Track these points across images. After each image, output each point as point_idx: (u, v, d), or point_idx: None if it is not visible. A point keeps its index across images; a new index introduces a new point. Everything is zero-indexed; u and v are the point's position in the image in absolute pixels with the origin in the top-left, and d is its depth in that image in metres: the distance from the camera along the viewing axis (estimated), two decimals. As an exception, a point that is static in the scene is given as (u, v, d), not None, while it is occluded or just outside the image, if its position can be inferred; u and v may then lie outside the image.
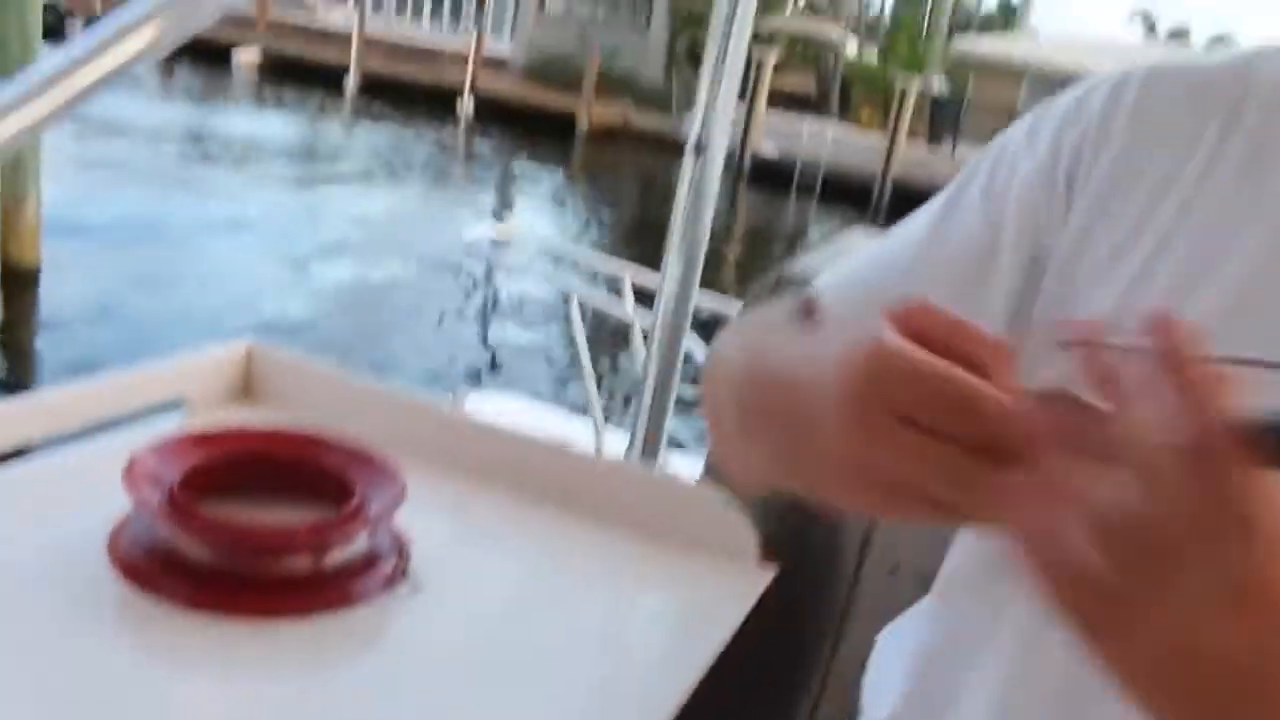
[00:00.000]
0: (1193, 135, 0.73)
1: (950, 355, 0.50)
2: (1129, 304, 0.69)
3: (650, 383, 1.84)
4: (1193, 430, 0.43)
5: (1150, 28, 55.16)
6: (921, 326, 0.52)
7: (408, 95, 26.31)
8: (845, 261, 0.87)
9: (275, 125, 22.12)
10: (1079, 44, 37.58)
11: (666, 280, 1.80)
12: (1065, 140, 0.77)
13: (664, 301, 1.81)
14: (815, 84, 28.26)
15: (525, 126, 23.97)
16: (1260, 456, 0.45)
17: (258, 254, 11.80)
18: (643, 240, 12.90)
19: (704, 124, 1.70)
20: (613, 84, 25.79)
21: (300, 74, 26.61)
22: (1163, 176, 0.72)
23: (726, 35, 1.64)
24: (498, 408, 4.84)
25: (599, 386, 3.90)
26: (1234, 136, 0.72)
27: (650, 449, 1.88)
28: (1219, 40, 57.22)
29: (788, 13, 29.59)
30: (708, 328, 1.82)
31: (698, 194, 1.73)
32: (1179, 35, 55.72)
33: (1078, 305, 0.72)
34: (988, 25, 47.84)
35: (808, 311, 0.82)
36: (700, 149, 1.69)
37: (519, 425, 1.26)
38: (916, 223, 0.84)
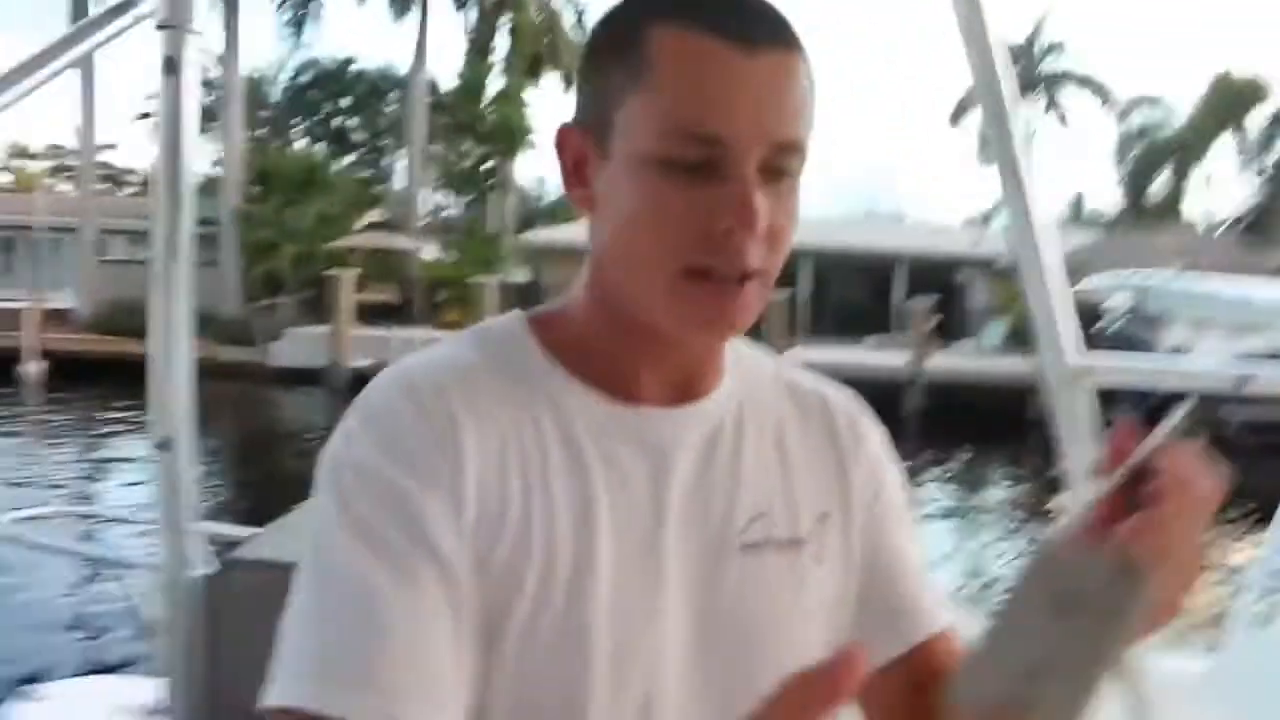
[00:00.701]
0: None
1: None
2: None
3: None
4: None
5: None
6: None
7: (-38, 365, 24.31)
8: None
9: None
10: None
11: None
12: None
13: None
14: (400, 293, 28.84)
15: (101, 377, 22.75)
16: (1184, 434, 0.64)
17: None
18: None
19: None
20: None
21: None
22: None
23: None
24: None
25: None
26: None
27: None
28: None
29: (358, 227, 30.21)
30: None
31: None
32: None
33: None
34: (554, 214, 50.80)
35: None
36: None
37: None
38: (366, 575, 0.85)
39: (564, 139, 0.93)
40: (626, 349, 0.94)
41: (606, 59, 0.90)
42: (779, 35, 0.87)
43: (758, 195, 0.85)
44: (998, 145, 1.79)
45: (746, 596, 0.95)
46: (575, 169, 0.93)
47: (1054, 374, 1.79)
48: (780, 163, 0.87)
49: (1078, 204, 57.93)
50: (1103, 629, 0.66)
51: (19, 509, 3.47)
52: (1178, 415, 0.73)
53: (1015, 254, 1.84)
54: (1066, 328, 1.81)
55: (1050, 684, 0.65)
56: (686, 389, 0.97)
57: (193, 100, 1.47)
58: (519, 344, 0.96)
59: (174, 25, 1.44)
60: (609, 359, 0.95)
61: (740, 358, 1.03)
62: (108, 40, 1.32)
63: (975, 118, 41.02)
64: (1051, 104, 41.25)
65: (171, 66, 1.46)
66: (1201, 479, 0.74)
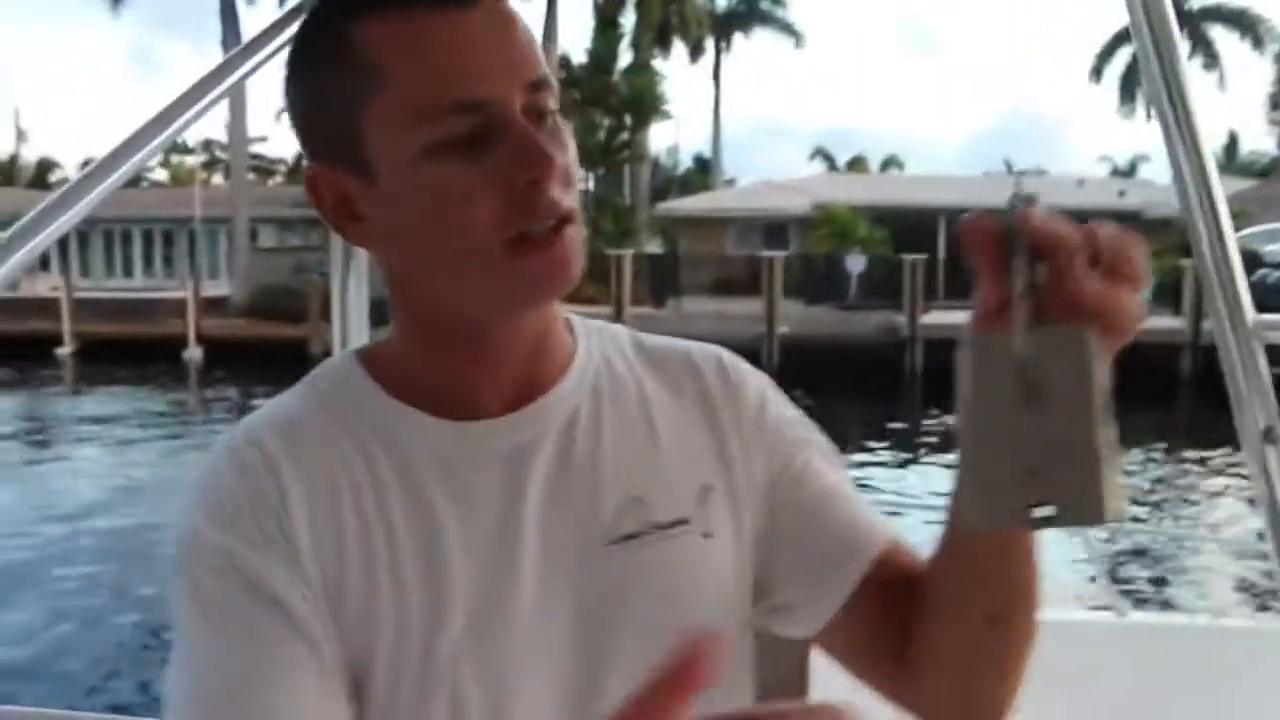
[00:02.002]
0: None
1: None
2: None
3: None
4: None
5: (830, 163, 59.81)
6: None
7: (131, 353, 25.61)
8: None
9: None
10: (772, 186, 40.41)
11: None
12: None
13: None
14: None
15: (257, 361, 23.67)
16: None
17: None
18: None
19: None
20: (338, 304, 25.89)
21: (10, 346, 25.61)
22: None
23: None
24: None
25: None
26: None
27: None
28: (890, 162, 62.68)
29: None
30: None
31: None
32: (857, 164, 60.58)
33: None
34: (687, 184, 50.70)
35: None
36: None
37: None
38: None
39: (315, 183, 0.88)
40: (458, 364, 0.91)
41: (322, 79, 0.86)
42: None
43: (540, 138, 0.83)
44: (1159, 89, 1.71)
45: (631, 591, 0.90)
46: (339, 208, 0.88)
47: (1230, 331, 1.72)
48: (539, 103, 0.84)
49: (1231, 149, 55.31)
50: (1077, 400, 0.65)
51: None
52: (1014, 194, 0.70)
53: (1184, 206, 1.77)
54: (1243, 283, 1.74)
55: (1056, 471, 0.64)
56: (529, 388, 0.92)
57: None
58: (350, 382, 0.93)
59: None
60: (442, 381, 0.91)
61: (589, 334, 0.99)
62: (285, 45, 1.37)
63: (1115, 68, 39.59)
64: (1199, 43, 39.30)
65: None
66: (1063, 227, 0.69)
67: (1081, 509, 0.65)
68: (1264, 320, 1.70)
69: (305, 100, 0.89)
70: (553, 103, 0.86)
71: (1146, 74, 1.70)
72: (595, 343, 0.98)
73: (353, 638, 0.84)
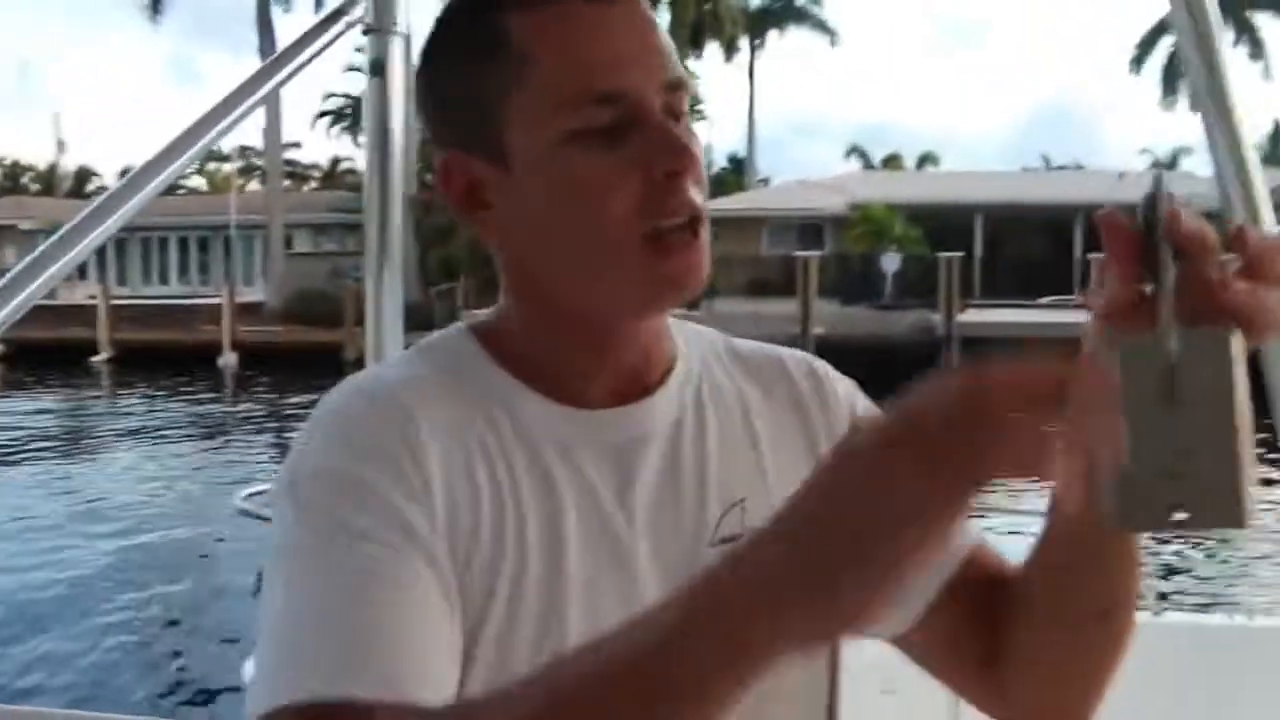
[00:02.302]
0: None
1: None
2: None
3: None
4: None
5: (866, 161, 59.59)
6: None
7: (167, 359, 25.93)
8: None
9: (33, 408, 21.36)
10: (807, 185, 40.33)
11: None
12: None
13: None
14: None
15: (292, 366, 23.90)
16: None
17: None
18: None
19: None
20: (373, 309, 26.08)
21: (48, 354, 25.98)
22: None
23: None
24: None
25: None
26: None
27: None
28: (926, 159, 62.36)
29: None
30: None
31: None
32: (892, 161, 60.33)
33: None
34: (721, 183, 50.70)
35: None
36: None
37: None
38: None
39: (450, 169, 0.90)
40: (574, 352, 0.91)
41: (466, 67, 0.88)
42: None
43: (681, 132, 0.85)
44: (1199, 81, 1.68)
45: None
46: (469, 196, 0.90)
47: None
48: (675, 104, 0.86)
49: (1276, 138, 54.61)
50: (1220, 402, 0.64)
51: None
52: (1154, 190, 0.70)
53: (1224, 200, 1.75)
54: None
55: (1197, 475, 0.64)
56: (639, 384, 0.93)
57: (400, 101, 1.53)
58: (469, 355, 0.92)
59: (380, 29, 1.50)
60: (558, 365, 0.91)
61: (689, 339, 1.00)
62: (322, 50, 1.39)
63: (1157, 59, 39.19)
64: (1244, 31, 38.79)
65: (378, 69, 1.52)
66: (1207, 227, 0.68)
67: (1221, 513, 0.65)
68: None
69: (446, 87, 0.91)
70: (686, 104, 0.88)
71: (1187, 65, 1.68)
72: (695, 347, 0.99)
73: (469, 601, 0.83)
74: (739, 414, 0.97)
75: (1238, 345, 0.65)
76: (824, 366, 1.04)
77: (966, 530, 0.98)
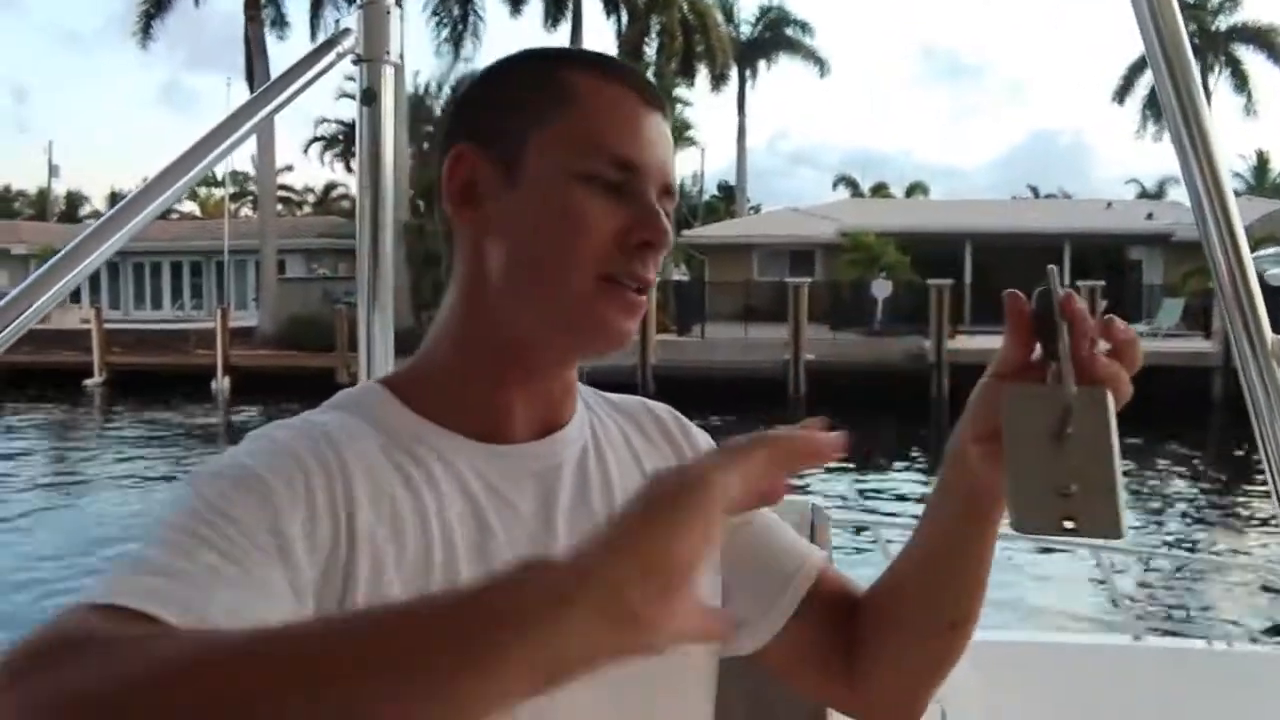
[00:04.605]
0: None
1: None
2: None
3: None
4: None
5: (855, 189, 59.83)
6: None
7: (160, 383, 25.87)
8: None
9: (22, 437, 21.29)
10: (798, 212, 40.47)
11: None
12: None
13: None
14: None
15: (285, 391, 23.83)
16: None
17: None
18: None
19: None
20: (365, 334, 26.09)
21: (42, 378, 25.93)
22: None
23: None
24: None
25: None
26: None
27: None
28: (915, 188, 62.64)
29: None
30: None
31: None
32: (880, 190, 60.58)
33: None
34: (712, 211, 50.78)
35: None
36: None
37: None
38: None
39: (461, 158, 0.98)
40: (498, 387, 0.99)
41: (524, 92, 0.99)
42: (662, 100, 1.01)
43: (664, 217, 0.97)
44: (1174, 113, 1.71)
45: None
46: (465, 188, 0.98)
47: (1249, 351, 1.73)
48: (664, 204, 0.99)
49: (1261, 170, 54.96)
50: (1100, 442, 0.80)
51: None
52: (1050, 279, 0.86)
53: (1201, 228, 1.78)
54: (1260, 303, 1.74)
55: (1083, 495, 0.79)
56: (551, 420, 1.03)
57: (390, 129, 1.55)
58: (384, 406, 0.98)
59: (371, 59, 1.52)
60: (479, 402, 0.99)
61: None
62: (314, 79, 1.41)
63: (1140, 91, 39.43)
64: (1227, 64, 39.10)
65: (370, 97, 1.53)
66: (1086, 314, 0.84)
67: (1102, 525, 0.80)
68: (1281, 341, 1.70)
69: (492, 97, 1.01)
70: (670, 208, 1.00)
71: (1163, 99, 1.71)
72: (581, 394, 1.10)
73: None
74: (623, 443, 1.09)
75: (1112, 401, 0.82)
76: (676, 411, 1.17)
77: (817, 553, 1.13)
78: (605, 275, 0.95)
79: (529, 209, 0.95)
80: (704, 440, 1.15)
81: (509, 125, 0.97)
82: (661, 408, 1.16)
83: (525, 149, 0.96)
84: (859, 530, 5.81)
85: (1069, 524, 0.80)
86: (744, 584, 1.09)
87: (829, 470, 18.09)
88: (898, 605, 1.05)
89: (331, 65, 1.43)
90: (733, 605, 1.08)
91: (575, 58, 1.01)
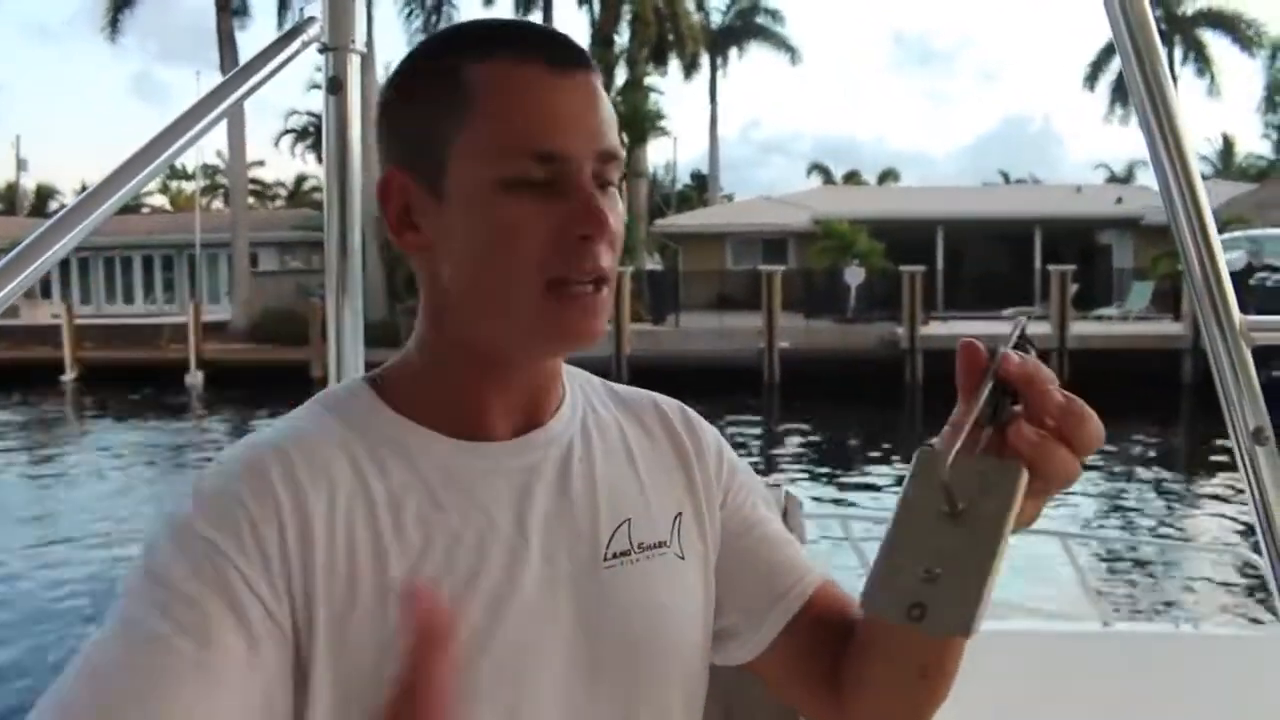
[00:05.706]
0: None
1: None
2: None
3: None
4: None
5: (827, 177, 59.92)
6: None
7: (133, 378, 25.68)
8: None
9: (-8, 439, 21.11)
10: (771, 201, 40.50)
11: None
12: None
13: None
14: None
15: (258, 384, 23.71)
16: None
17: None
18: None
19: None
20: (339, 326, 25.99)
21: (12, 375, 25.69)
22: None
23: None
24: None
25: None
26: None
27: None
28: (887, 175, 62.83)
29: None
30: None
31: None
32: (852, 178, 60.71)
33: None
34: (685, 200, 50.72)
35: None
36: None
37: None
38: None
39: (389, 185, 0.95)
40: (474, 386, 0.97)
41: (429, 101, 0.94)
42: (582, 57, 0.94)
43: (602, 202, 0.92)
44: (1141, 97, 1.72)
45: (621, 603, 0.99)
46: (400, 214, 0.95)
47: (1218, 333, 1.74)
48: (606, 173, 0.93)
49: (1227, 153, 55.36)
50: (989, 530, 0.72)
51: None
52: (1012, 333, 0.79)
53: (1169, 211, 1.78)
54: (1229, 285, 1.75)
55: (946, 584, 0.71)
56: (533, 417, 1.01)
57: (358, 118, 1.54)
58: (364, 405, 0.98)
59: (336, 47, 1.51)
60: (456, 400, 0.97)
61: (572, 377, 1.08)
62: (279, 68, 1.39)
63: (1109, 76, 39.60)
64: (1192, 48, 39.30)
65: (335, 86, 1.52)
66: (1046, 381, 0.78)
67: (951, 620, 0.71)
68: (1252, 322, 1.71)
69: (401, 114, 0.97)
70: (616, 174, 0.95)
71: (1130, 85, 1.71)
72: (579, 387, 1.09)
73: (357, 654, 0.87)
74: (618, 441, 1.07)
75: (1023, 483, 0.73)
76: (691, 410, 1.15)
77: (817, 570, 1.11)
78: (553, 280, 0.91)
79: (459, 228, 0.92)
80: (711, 435, 1.13)
81: (425, 142, 0.93)
82: (670, 403, 1.14)
83: (445, 165, 0.92)
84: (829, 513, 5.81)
85: (915, 611, 0.71)
86: (738, 596, 1.08)
87: (799, 458, 18.14)
88: (865, 650, 1.03)
89: (296, 54, 1.41)
90: (726, 617, 1.08)
91: (468, 42, 0.94)
